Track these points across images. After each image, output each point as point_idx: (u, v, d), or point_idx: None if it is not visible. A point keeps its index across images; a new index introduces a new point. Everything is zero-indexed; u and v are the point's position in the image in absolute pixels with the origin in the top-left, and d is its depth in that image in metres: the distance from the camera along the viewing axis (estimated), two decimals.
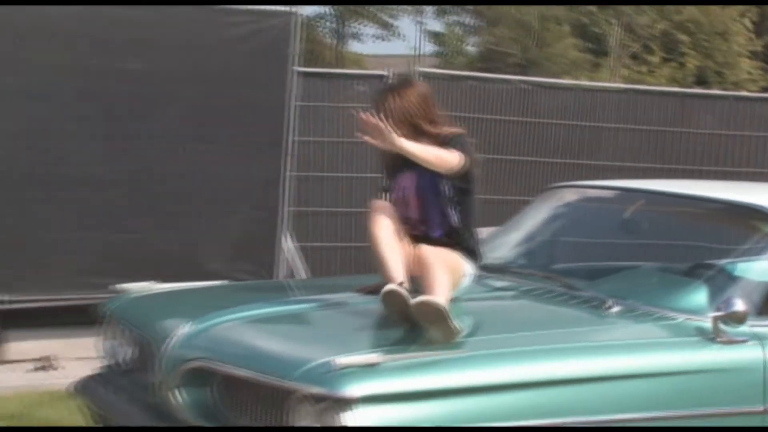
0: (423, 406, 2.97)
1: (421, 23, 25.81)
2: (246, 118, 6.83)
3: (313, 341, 3.56)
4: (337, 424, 2.86)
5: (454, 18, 26.50)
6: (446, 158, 3.71)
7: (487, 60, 18.80)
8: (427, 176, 3.92)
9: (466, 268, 3.87)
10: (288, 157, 7.03)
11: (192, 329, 3.47)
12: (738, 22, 22.04)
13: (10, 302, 6.46)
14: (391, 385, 2.95)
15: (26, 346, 6.77)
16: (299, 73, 7.26)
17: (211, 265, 6.55)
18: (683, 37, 21.38)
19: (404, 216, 3.97)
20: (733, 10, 22.41)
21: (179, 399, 3.43)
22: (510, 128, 7.92)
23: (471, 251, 3.96)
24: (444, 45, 26.19)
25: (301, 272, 7.07)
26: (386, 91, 4.09)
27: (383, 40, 24.94)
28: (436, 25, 26.60)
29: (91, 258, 6.66)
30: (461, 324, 3.37)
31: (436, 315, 3.28)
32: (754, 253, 3.98)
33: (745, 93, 12.40)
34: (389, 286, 3.39)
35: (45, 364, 6.71)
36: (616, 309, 3.71)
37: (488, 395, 3.06)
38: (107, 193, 6.55)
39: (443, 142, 3.82)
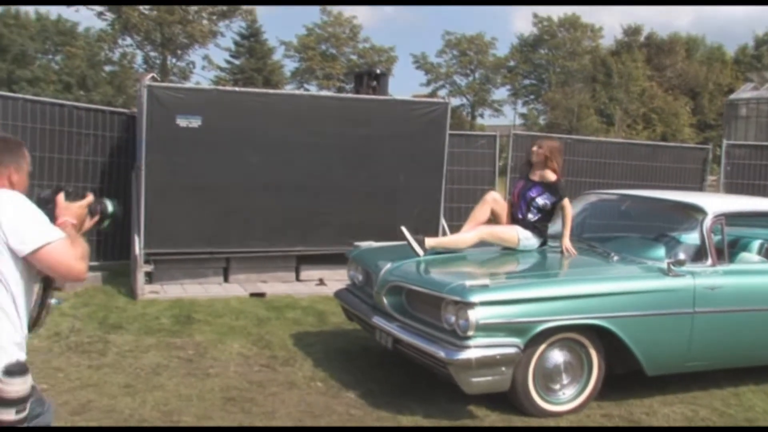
0: (510, 308, 4.34)
1: (515, 108, 43.27)
2: (423, 156, 8.88)
3: (453, 272, 5.00)
4: (465, 319, 4.26)
5: (532, 106, 43.71)
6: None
7: (550, 127, 26.51)
8: (529, 189, 5.57)
9: (522, 235, 5.43)
10: (444, 176, 9.08)
11: (391, 266, 5.08)
12: (683, 108, 37.35)
13: (301, 251, 8.55)
14: (494, 296, 4.33)
15: (310, 273, 8.79)
16: (450, 134, 9.28)
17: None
18: (654, 116, 37.80)
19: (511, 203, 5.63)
20: (682, 102, 38.93)
21: (385, 302, 4.98)
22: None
23: (536, 230, 5.49)
24: (527, 119, 41.21)
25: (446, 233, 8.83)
26: (539, 139, 5.84)
27: (495, 117, 43.67)
28: (523, 109, 44.30)
29: (345, 227, 8.41)
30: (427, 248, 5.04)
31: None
32: (688, 229, 5.36)
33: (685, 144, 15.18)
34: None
35: (320, 282, 8.70)
36: (616, 258, 5.13)
37: (546, 302, 4.45)
38: (352, 196, 8.56)
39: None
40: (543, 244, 5.72)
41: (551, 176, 5.60)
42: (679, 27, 47.00)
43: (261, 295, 8.16)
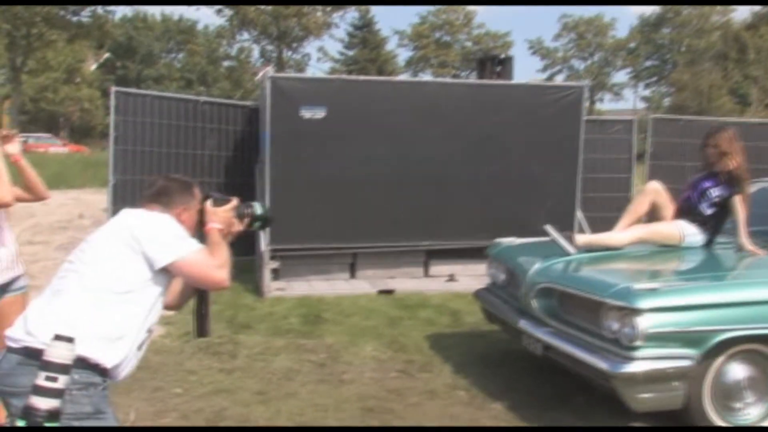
0: (684, 315, 3.84)
1: (635, 91, 40.52)
2: (557, 144, 8.42)
3: (615, 274, 4.50)
4: (632, 327, 3.75)
5: (654, 88, 41.72)
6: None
7: (677, 110, 24.33)
8: (706, 179, 5.04)
9: (688, 231, 4.88)
10: (580, 166, 8.60)
11: (540, 266, 4.66)
12: None
13: (430, 245, 8.24)
14: (666, 302, 3.80)
15: (439, 269, 8.48)
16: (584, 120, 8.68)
17: (536, 227, 6.81)
18: None
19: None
20: None
21: (535, 305, 4.58)
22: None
23: (707, 226, 4.92)
24: (649, 102, 39.88)
25: (586, 229, 8.35)
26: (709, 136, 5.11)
27: (615, 101, 41.97)
28: (645, 92, 41.97)
29: (476, 220, 8.17)
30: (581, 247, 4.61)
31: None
32: None
33: None
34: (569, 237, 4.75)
35: (450, 278, 8.37)
36: None
37: (725, 309, 3.92)
38: (482, 187, 8.21)
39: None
40: (710, 242, 5.07)
41: (729, 164, 5.02)
42: None
43: (390, 292, 7.91)
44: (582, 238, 4.89)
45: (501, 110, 8.38)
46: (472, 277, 8.25)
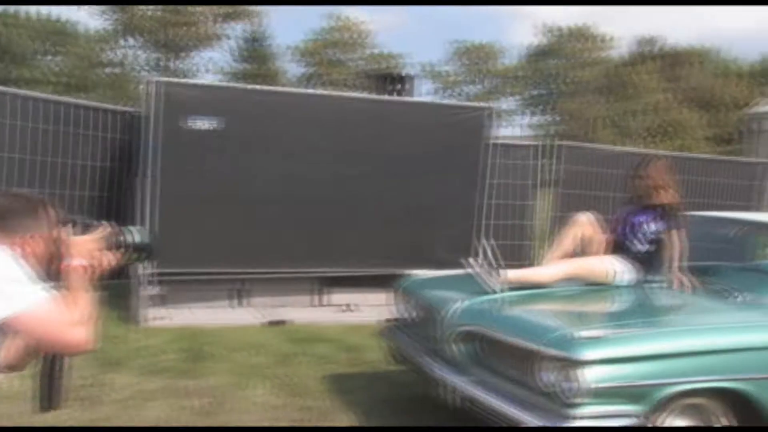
0: (631, 367, 3.43)
1: (522, 118, 43.56)
2: (462, 168, 8.01)
3: (550, 317, 4.10)
4: (574, 381, 3.32)
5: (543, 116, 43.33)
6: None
7: (564, 138, 25.54)
8: (639, 213, 4.74)
9: (618, 268, 4.53)
10: (486, 191, 8.24)
11: (463, 305, 4.15)
12: (699, 121, 36.38)
13: (326, 272, 7.76)
14: (612, 352, 3.41)
15: (335, 297, 7.94)
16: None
17: (440, 255, 7.58)
18: (670, 128, 36.56)
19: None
20: (695, 114, 38.08)
21: (455, 350, 4.10)
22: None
23: (640, 262, 4.60)
24: (538, 129, 40.85)
25: (492, 260, 9.26)
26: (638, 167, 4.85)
27: (504, 127, 38.76)
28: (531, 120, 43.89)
29: (376, 246, 7.73)
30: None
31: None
32: None
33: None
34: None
35: (347, 308, 7.85)
36: (741, 299, 4.26)
37: (674, 360, 3.52)
38: (385, 211, 7.73)
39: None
40: (642, 280, 4.70)
41: (664, 198, 4.74)
42: (683, 40, 46.50)
43: (280, 323, 7.18)
44: (509, 275, 4.38)
45: (404, 129, 7.90)
46: (370, 307, 7.71)
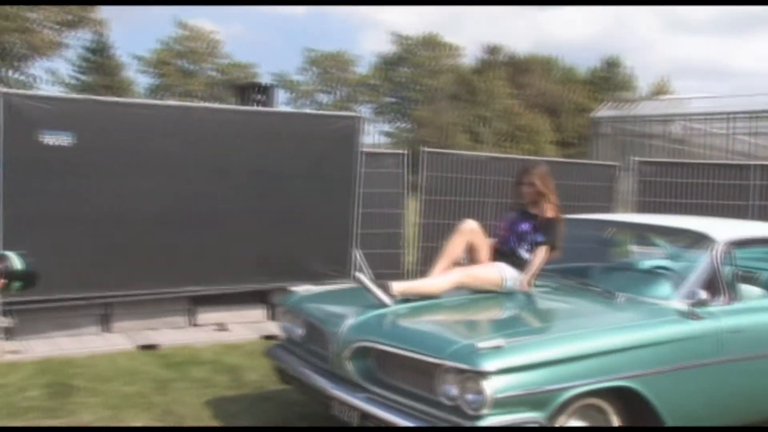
0: (532, 374, 3.47)
1: (375, 126, 42.82)
2: (333, 177, 7.95)
3: (448, 329, 4.09)
4: (478, 392, 3.32)
5: (397, 124, 44.53)
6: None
7: (420, 144, 26.35)
8: (523, 221, 4.76)
9: (508, 275, 4.55)
10: (357, 200, 8.17)
11: (355, 320, 4.04)
12: (545, 126, 37.47)
13: (196, 291, 7.40)
14: (513, 361, 3.41)
15: (207, 317, 7.62)
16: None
17: (317, 267, 7.72)
18: (519, 133, 38.10)
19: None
20: (541, 119, 38.98)
21: (350, 367, 3.97)
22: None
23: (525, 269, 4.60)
24: (392, 137, 42.57)
25: (365, 270, 7.84)
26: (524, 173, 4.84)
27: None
28: (386, 128, 44.85)
29: (248, 262, 7.51)
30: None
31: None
32: (693, 261, 4.57)
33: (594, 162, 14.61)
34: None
35: (220, 328, 7.51)
36: (623, 299, 4.35)
37: (570, 364, 3.58)
38: (254, 225, 7.49)
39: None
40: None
41: (549, 212, 4.80)
42: (532, 50, 49.00)
43: (152, 347, 6.79)
44: (398, 287, 4.32)
45: (274, 140, 7.73)
46: (243, 325, 7.62)
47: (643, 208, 10.79)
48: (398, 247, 9.82)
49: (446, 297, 4.50)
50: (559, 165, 11.74)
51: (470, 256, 4.76)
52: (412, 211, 10.16)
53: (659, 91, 47.89)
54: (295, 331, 4.75)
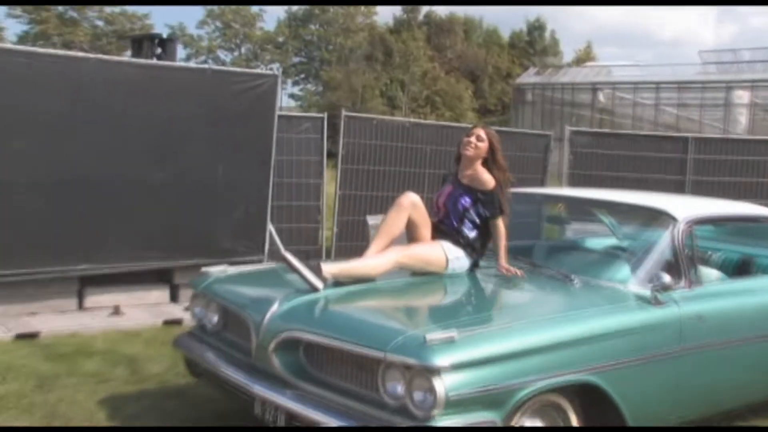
0: (487, 370, 3.30)
1: (284, 88, 42.71)
2: (247, 143, 7.68)
3: (391, 317, 3.86)
4: (429, 391, 3.15)
5: (304, 86, 43.90)
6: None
7: (332, 108, 26.06)
8: (460, 196, 4.60)
9: (452, 254, 4.41)
10: (273, 168, 7.98)
11: (280, 307, 3.79)
12: (465, 92, 38.98)
13: (86, 270, 7.01)
14: (466, 355, 3.24)
15: (99, 299, 7.23)
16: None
17: (223, 243, 7.48)
18: (437, 99, 38.97)
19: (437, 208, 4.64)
20: (462, 85, 40.11)
21: (276, 361, 3.71)
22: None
23: (470, 248, 4.49)
24: (301, 100, 42.09)
25: (279, 246, 7.91)
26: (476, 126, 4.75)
27: None
28: (294, 89, 44.12)
29: (147, 237, 7.21)
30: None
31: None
32: (652, 241, 4.51)
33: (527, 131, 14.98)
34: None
35: (115, 311, 7.09)
36: (578, 283, 4.25)
37: (527, 358, 3.43)
38: (156, 194, 7.18)
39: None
40: (475, 266, 4.64)
41: (487, 182, 4.60)
42: (452, 8, 48.88)
43: (33, 336, 6.36)
44: (330, 268, 4.08)
45: (179, 99, 7.39)
46: (141, 308, 7.28)
47: (576, 181, 10.89)
48: (315, 221, 9.61)
49: (384, 280, 4.26)
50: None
51: (410, 234, 4.53)
52: (329, 182, 9.91)
53: (584, 58, 48.96)
54: (208, 318, 4.46)
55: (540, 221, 5.54)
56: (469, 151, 4.64)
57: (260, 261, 7.77)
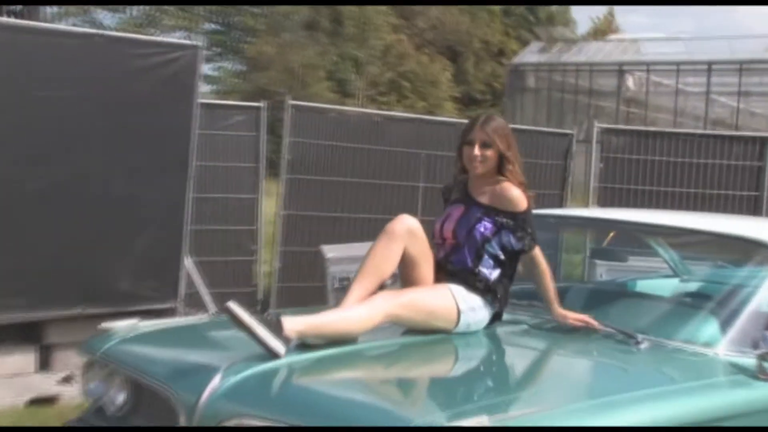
0: None
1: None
2: (154, 141, 7.69)
3: (392, 399, 3.81)
4: None
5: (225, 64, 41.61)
6: None
7: (260, 97, 25.78)
8: (478, 220, 4.62)
9: (467, 303, 4.42)
10: (192, 177, 7.98)
11: (225, 382, 3.72)
12: (443, 74, 37.96)
13: None
14: None
15: None
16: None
17: (119, 284, 7.47)
18: (406, 84, 37.71)
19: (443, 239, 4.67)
20: (439, 65, 38.61)
21: None
22: None
23: (491, 294, 4.50)
24: (216, 82, 39.60)
25: (201, 288, 8.08)
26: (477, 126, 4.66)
27: None
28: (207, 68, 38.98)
29: (8, 274, 7.16)
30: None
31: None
32: (750, 284, 4.59)
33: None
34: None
35: None
36: (644, 344, 4.28)
37: None
38: (25, 212, 7.11)
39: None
40: (495, 318, 4.57)
41: (518, 199, 4.54)
42: None
43: None
44: (296, 325, 3.94)
45: (53, 77, 7.37)
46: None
47: (609, 198, 10.91)
48: (249, 253, 9.62)
49: (371, 341, 4.16)
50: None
51: (405, 274, 4.47)
52: (268, 198, 9.83)
53: (604, 29, 49.65)
54: (110, 396, 4.35)
55: (580, 255, 5.49)
56: (478, 168, 4.59)
57: (173, 310, 7.71)
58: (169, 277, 7.85)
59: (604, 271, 7.68)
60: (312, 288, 8.88)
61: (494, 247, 4.54)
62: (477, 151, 4.57)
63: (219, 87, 44.33)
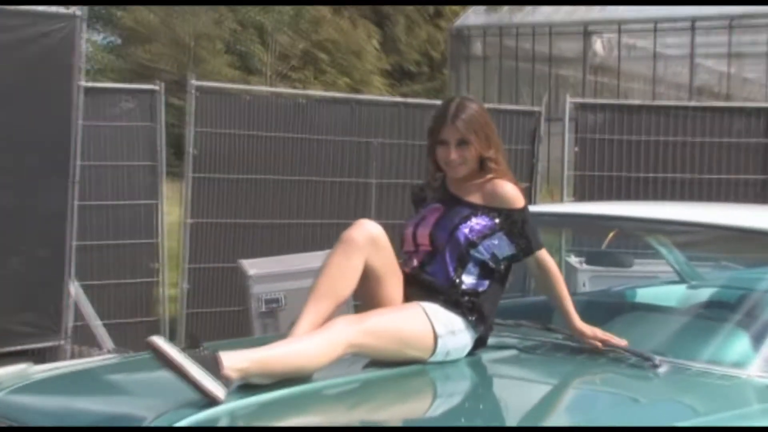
0: None
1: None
2: (24, 136, 7.77)
3: None
4: None
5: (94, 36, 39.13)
6: None
7: (141, 76, 25.51)
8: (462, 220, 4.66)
9: (447, 327, 4.46)
10: (75, 181, 8.04)
11: None
12: (369, 43, 38.09)
13: None
14: None
15: None
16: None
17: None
18: (323, 56, 37.15)
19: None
20: (363, 32, 38.13)
21: None
22: None
23: (474, 312, 4.55)
24: (89, 62, 34.84)
25: (92, 320, 8.12)
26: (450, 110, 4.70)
27: None
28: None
29: None
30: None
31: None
32: None
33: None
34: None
35: None
36: (663, 368, 4.39)
37: None
38: None
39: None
40: (480, 343, 4.58)
41: (514, 194, 4.61)
42: None
43: None
44: (237, 362, 3.93)
45: None
46: None
47: (587, 189, 11.01)
48: (148, 273, 9.59)
49: (329, 377, 4.16)
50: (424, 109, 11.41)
51: (367, 293, 4.50)
52: (171, 204, 9.80)
53: None
54: None
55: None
56: (460, 172, 4.66)
57: (58, 348, 7.63)
58: (50, 307, 7.90)
59: (587, 279, 7.75)
60: (230, 313, 8.87)
61: (481, 252, 4.57)
62: (453, 154, 4.61)
63: (88, 66, 43.85)
